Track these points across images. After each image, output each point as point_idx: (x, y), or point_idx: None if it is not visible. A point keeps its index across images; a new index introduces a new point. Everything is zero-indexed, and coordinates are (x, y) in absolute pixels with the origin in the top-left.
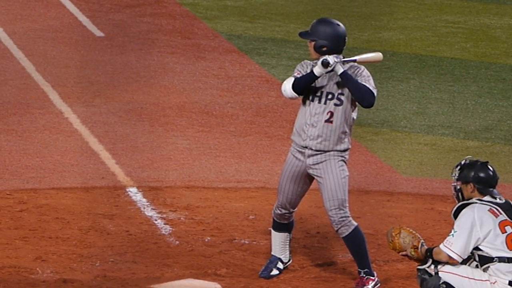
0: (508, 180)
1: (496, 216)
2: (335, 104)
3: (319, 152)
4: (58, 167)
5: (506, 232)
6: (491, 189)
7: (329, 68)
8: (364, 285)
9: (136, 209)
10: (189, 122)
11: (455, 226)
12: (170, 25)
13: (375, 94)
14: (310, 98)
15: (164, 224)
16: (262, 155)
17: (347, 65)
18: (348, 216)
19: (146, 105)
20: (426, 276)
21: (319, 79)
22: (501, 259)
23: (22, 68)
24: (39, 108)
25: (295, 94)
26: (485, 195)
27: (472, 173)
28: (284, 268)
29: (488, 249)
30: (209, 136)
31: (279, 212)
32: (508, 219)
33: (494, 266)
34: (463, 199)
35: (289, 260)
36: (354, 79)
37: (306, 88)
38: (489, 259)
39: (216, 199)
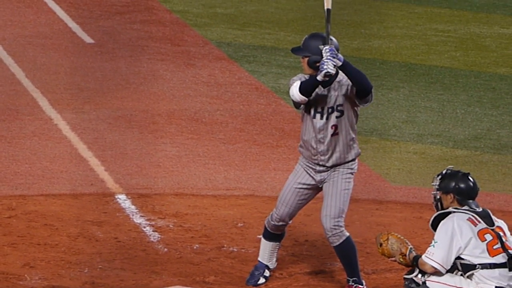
0: (497, 189)
1: (475, 224)
2: (337, 117)
3: (330, 168)
4: (47, 174)
5: (486, 240)
6: (470, 200)
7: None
8: None
9: (124, 216)
10: (179, 129)
11: (435, 237)
12: (160, 32)
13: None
14: (312, 114)
15: (153, 231)
16: (251, 162)
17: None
18: (341, 226)
19: (136, 112)
20: (414, 286)
21: (317, 95)
22: (484, 266)
23: (11, 74)
24: (29, 115)
25: (303, 97)
26: (463, 206)
27: (453, 184)
28: (269, 275)
29: (469, 257)
30: (198, 143)
31: (275, 223)
32: (487, 227)
33: (478, 273)
34: (442, 208)
35: (275, 266)
36: (354, 67)
37: (312, 91)
38: (472, 267)
39: (205, 207)
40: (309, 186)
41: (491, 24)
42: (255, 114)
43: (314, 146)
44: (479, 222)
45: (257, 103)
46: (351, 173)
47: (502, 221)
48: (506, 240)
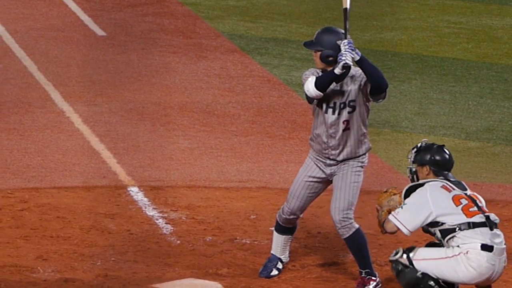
0: (509, 180)
1: (449, 191)
2: (349, 112)
3: (341, 162)
4: (60, 166)
5: (461, 204)
6: (446, 172)
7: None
8: (365, 285)
9: (137, 208)
10: (191, 121)
11: (405, 200)
12: (172, 25)
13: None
14: (324, 109)
15: (165, 223)
16: (264, 155)
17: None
18: (350, 219)
19: (148, 104)
20: (401, 267)
21: (330, 90)
22: (463, 226)
23: (23, 67)
24: (41, 107)
25: (318, 92)
26: (439, 178)
27: (429, 156)
28: (283, 268)
29: (447, 221)
30: (211, 135)
31: (286, 217)
32: (461, 192)
33: (459, 235)
34: (417, 181)
35: (288, 260)
36: (371, 63)
37: (329, 86)
38: (451, 230)
39: (217, 199)
40: (319, 180)
41: (503, 15)
42: (267, 106)
43: (325, 141)
44: (454, 188)
45: (269, 96)
46: (361, 166)
47: (480, 197)
48: (482, 206)
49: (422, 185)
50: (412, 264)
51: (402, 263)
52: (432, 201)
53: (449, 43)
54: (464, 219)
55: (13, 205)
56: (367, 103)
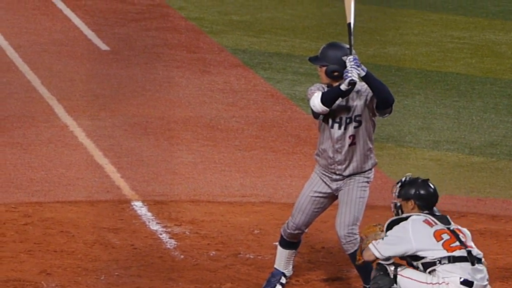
0: None
1: (431, 225)
2: (355, 127)
3: (347, 177)
4: (63, 181)
5: (442, 239)
6: (431, 206)
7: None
8: None
9: (141, 223)
10: (194, 136)
11: (388, 232)
12: (175, 39)
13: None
14: (330, 124)
15: (169, 238)
16: (267, 169)
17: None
18: (355, 234)
19: (152, 119)
20: (382, 273)
21: (336, 105)
22: (443, 260)
23: (27, 81)
24: (44, 122)
25: (325, 108)
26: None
27: (413, 190)
28: (286, 282)
29: (427, 255)
30: (214, 150)
31: (292, 232)
32: (444, 227)
33: (439, 268)
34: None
35: (291, 274)
36: (377, 78)
37: (335, 101)
38: (432, 263)
39: (221, 214)
40: (325, 195)
41: (507, 30)
42: (271, 121)
43: (331, 156)
44: (436, 223)
45: (273, 110)
46: (367, 182)
47: (466, 230)
48: (466, 240)
49: (405, 219)
50: (395, 278)
51: (386, 271)
52: (414, 236)
53: (453, 58)
54: (444, 253)
55: (17, 219)
56: (373, 118)
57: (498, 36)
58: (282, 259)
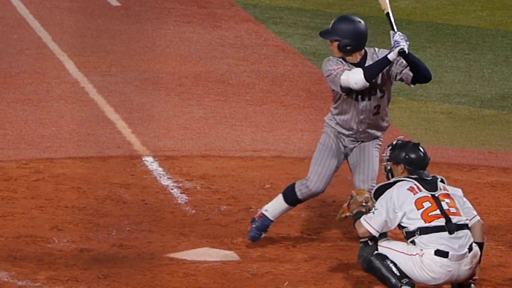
0: None
1: (415, 193)
2: (380, 97)
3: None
4: (74, 137)
5: (423, 207)
6: (421, 171)
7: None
8: None
9: (152, 178)
10: (205, 91)
11: (376, 204)
12: None
13: None
14: (354, 96)
15: (180, 193)
16: (278, 124)
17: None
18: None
19: (162, 74)
20: (363, 246)
21: None
22: (421, 231)
23: (38, 38)
24: (55, 78)
25: (367, 84)
26: (414, 176)
27: (403, 154)
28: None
29: (408, 225)
30: (225, 105)
31: (313, 192)
32: (427, 195)
33: (417, 240)
34: (390, 180)
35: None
36: (416, 57)
37: (379, 74)
38: (412, 233)
39: (232, 168)
40: (340, 156)
41: None
42: (282, 76)
43: (355, 127)
44: (420, 190)
45: (284, 65)
46: (380, 143)
47: (458, 190)
48: (451, 207)
49: (391, 184)
50: (377, 247)
51: (368, 242)
52: (397, 202)
53: (464, 11)
54: (421, 224)
55: (28, 175)
56: (391, 84)
57: None
58: (277, 210)
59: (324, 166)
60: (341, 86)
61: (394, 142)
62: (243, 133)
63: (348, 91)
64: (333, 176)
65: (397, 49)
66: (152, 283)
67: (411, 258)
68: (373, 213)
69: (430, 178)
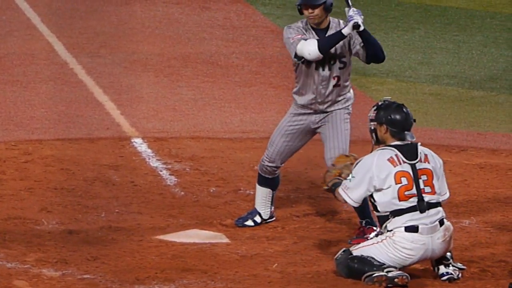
0: None
1: (395, 165)
2: (340, 68)
3: (328, 112)
4: (63, 118)
5: (401, 183)
6: (405, 132)
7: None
8: (365, 233)
9: (141, 160)
10: (194, 72)
11: (353, 171)
12: None
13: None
14: (314, 66)
15: (169, 175)
16: (267, 105)
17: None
18: None
19: (151, 56)
20: (338, 257)
21: None
22: (394, 213)
23: (27, 19)
24: (44, 59)
25: (321, 55)
26: (396, 138)
27: (387, 115)
28: (261, 222)
29: (381, 207)
30: (214, 86)
31: (266, 165)
32: (406, 170)
33: (390, 223)
34: (377, 139)
35: (270, 218)
36: (371, 35)
37: (333, 47)
38: (385, 218)
39: (221, 150)
40: (300, 128)
41: None
42: (271, 57)
43: (314, 97)
44: (400, 163)
45: (273, 46)
46: (348, 114)
47: (439, 159)
48: (427, 186)
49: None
50: (351, 253)
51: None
52: (376, 170)
53: None
54: (395, 205)
55: (17, 157)
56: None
57: None
58: (259, 198)
59: (278, 133)
60: (296, 54)
61: (380, 103)
62: (232, 114)
63: (301, 59)
64: (293, 148)
65: (351, 23)
66: (141, 265)
67: (383, 243)
68: (350, 180)
69: (410, 143)
